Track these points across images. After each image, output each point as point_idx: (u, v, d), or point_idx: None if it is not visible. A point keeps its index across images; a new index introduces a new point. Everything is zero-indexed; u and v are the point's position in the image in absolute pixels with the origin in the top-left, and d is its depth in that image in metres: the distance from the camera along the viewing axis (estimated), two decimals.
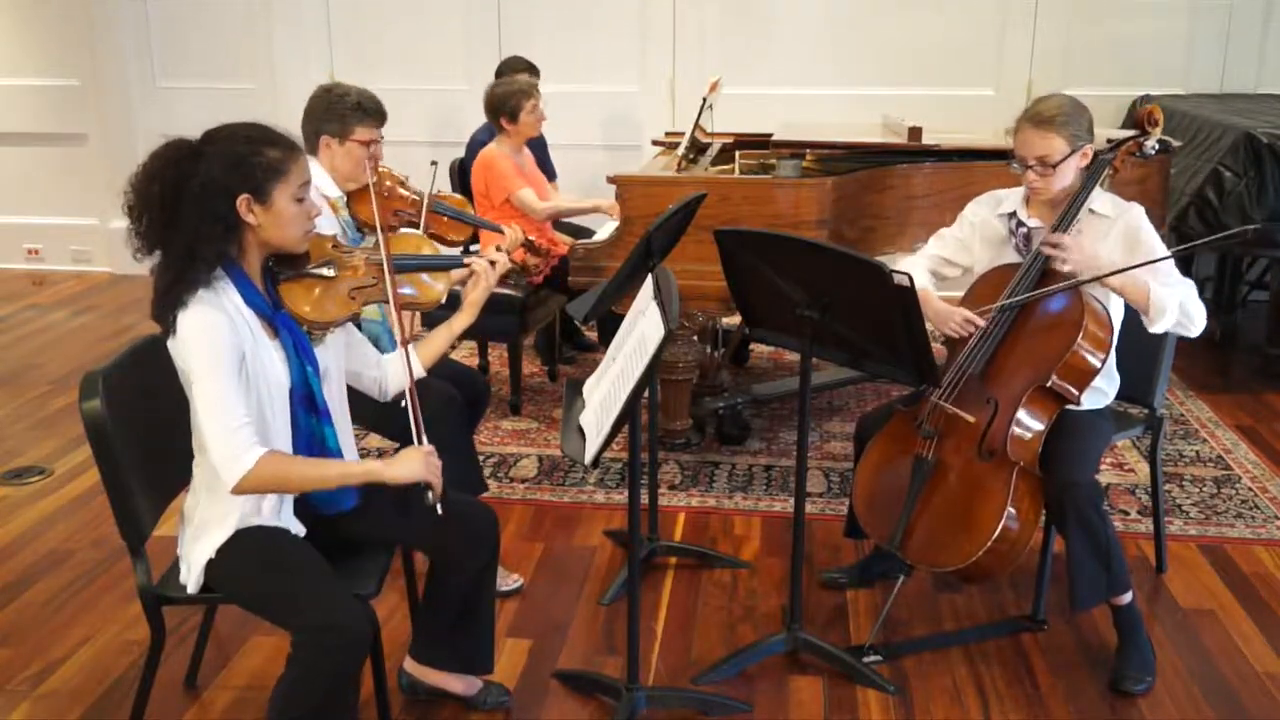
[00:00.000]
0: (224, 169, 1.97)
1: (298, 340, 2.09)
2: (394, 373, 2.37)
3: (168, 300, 1.98)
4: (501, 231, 3.32)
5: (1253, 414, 4.29)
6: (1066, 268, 2.53)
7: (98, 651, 2.73)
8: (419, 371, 2.37)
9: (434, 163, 3.34)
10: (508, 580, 2.97)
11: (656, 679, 2.63)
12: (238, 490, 1.97)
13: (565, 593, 3.01)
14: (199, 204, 1.95)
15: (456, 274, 2.49)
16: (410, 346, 2.36)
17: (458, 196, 3.38)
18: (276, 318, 2.08)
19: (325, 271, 2.15)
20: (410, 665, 2.48)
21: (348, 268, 2.19)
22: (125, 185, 2.01)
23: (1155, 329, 2.53)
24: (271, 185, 2.00)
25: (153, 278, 2.02)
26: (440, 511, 2.11)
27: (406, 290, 2.35)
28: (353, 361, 2.33)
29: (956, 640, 2.77)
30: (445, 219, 3.16)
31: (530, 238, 3.22)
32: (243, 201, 1.98)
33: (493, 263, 2.42)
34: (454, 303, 2.47)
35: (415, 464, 2.09)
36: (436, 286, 2.40)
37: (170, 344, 2.01)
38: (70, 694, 2.57)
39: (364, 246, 2.30)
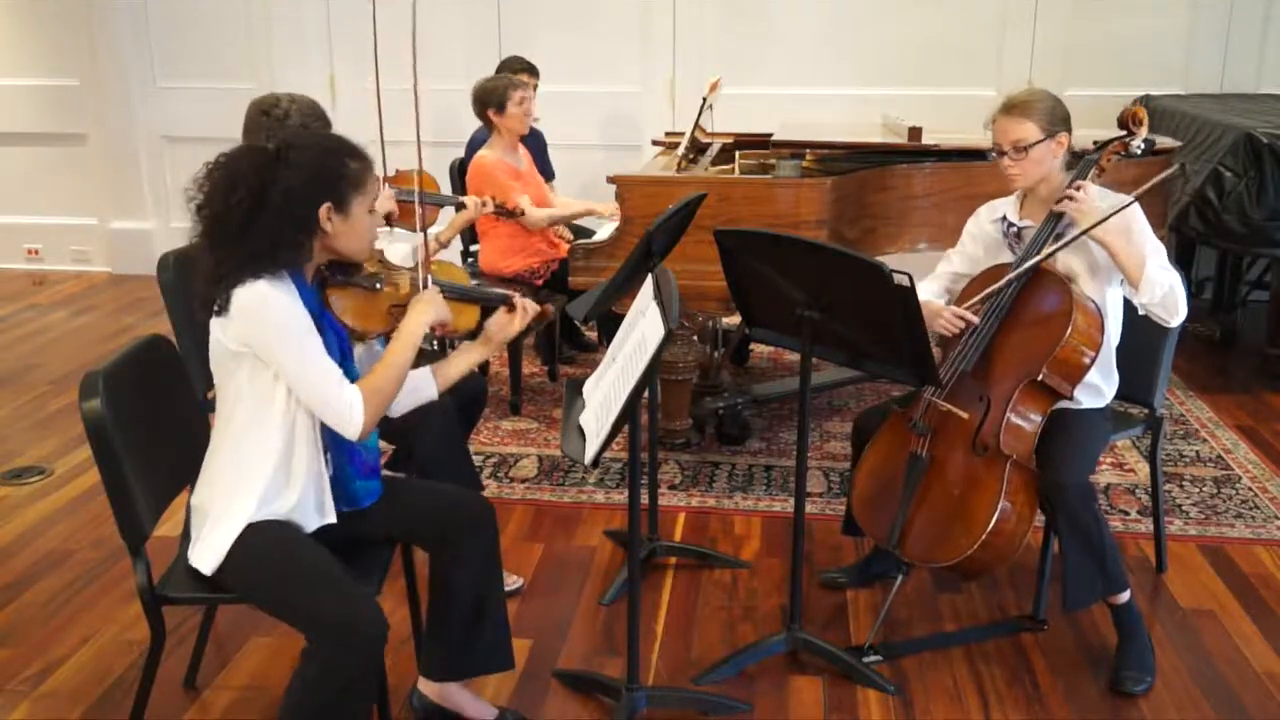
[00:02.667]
0: (310, 178, 2.02)
1: (341, 341, 2.14)
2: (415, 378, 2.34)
3: (228, 282, 2.00)
4: (464, 206, 3.29)
5: (1253, 414, 4.29)
6: (1072, 206, 2.56)
7: (98, 651, 2.74)
8: (431, 395, 2.36)
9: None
10: (509, 581, 2.95)
11: (656, 679, 2.63)
12: (363, 434, 2.08)
13: (565, 593, 3.01)
14: (282, 211, 2.00)
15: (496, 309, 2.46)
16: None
17: (423, 173, 3.25)
18: (323, 318, 2.12)
19: (374, 285, 2.21)
20: (424, 686, 2.40)
21: (392, 284, 2.24)
22: (195, 189, 2.05)
23: (1140, 299, 2.54)
24: (352, 196, 2.06)
25: (211, 262, 2.03)
26: (440, 349, 2.22)
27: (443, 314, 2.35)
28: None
29: (956, 640, 2.77)
30: (406, 205, 3.16)
31: (499, 204, 3.24)
32: (325, 210, 2.03)
33: (525, 309, 2.40)
34: None
35: (437, 304, 2.21)
36: (466, 316, 2.45)
37: (217, 324, 2.04)
38: (70, 694, 2.57)
39: (408, 269, 2.34)
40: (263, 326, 2.01)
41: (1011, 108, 2.67)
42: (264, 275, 2.01)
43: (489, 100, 4.18)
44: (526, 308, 2.41)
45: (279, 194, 2.00)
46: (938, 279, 2.94)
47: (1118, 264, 2.54)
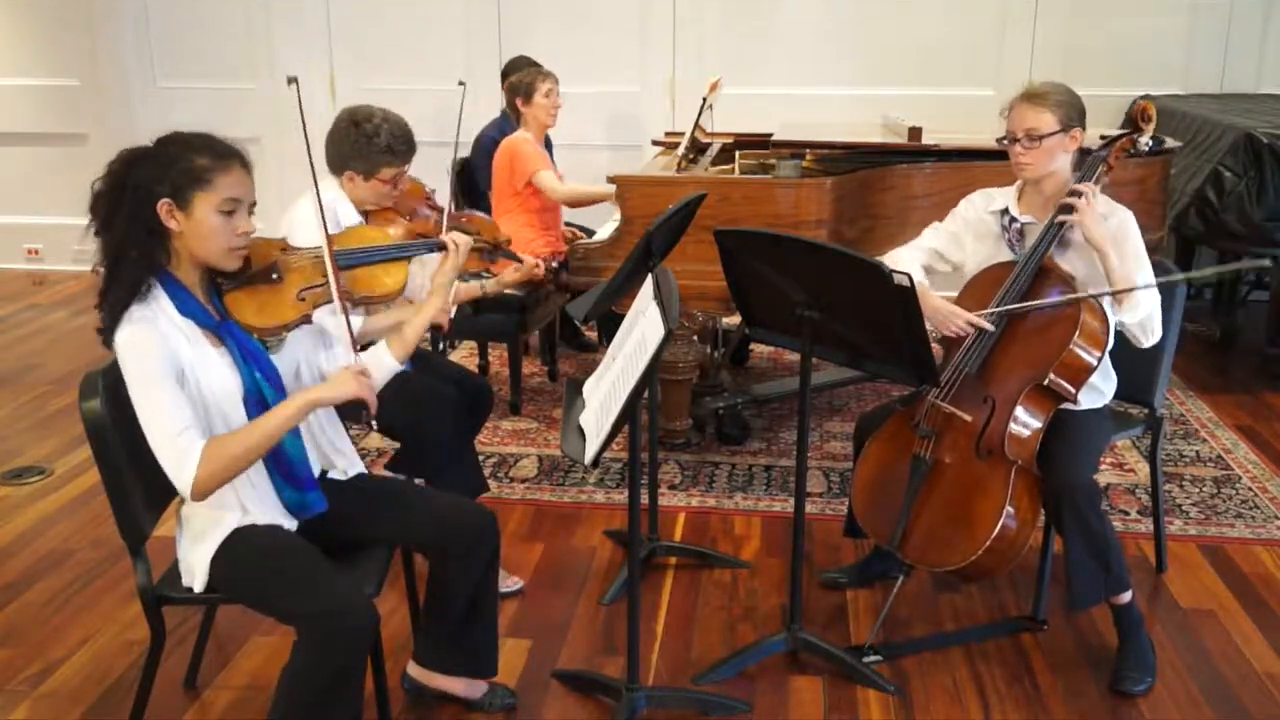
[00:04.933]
0: (151, 173, 1.99)
1: (243, 346, 2.08)
2: (329, 357, 2.30)
3: (108, 313, 2.00)
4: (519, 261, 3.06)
5: (1253, 414, 4.29)
6: (1076, 216, 2.54)
7: (98, 651, 2.74)
8: (395, 366, 2.32)
9: (461, 83, 3.06)
10: (508, 583, 2.96)
11: (656, 679, 2.63)
12: (195, 495, 1.97)
13: (565, 593, 3.01)
14: (127, 206, 1.98)
15: (429, 258, 2.44)
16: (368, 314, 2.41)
17: (480, 216, 3.16)
18: (221, 327, 2.07)
19: (272, 277, 2.13)
20: (413, 669, 2.47)
21: (294, 270, 2.16)
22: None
23: (1120, 317, 2.55)
24: (192, 192, 1.99)
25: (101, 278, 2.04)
26: (374, 427, 2.18)
27: (360, 285, 2.27)
28: (329, 362, 2.30)
29: (956, 640, 2.77)
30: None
31: (549, 265, 3.13)
32: (163, 206, 1.98)
33: (456, 245, 2.39)
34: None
35: (348, 383, 2.05)
36: (393, 277, 2.31)
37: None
38: (70, 694, 2.57)
39: (313, 247, 2.24)
40: (124, 370, 1.99)
41: (1031, 96, 2.65)
42: (132, 298, 1.98)
43: (518, 89, 4.38)
44: (457, 242, 2.39)
45: (131, 188, 1.98)
46: (919, 252, 2.91)
47: (1110, 278, 2.55)
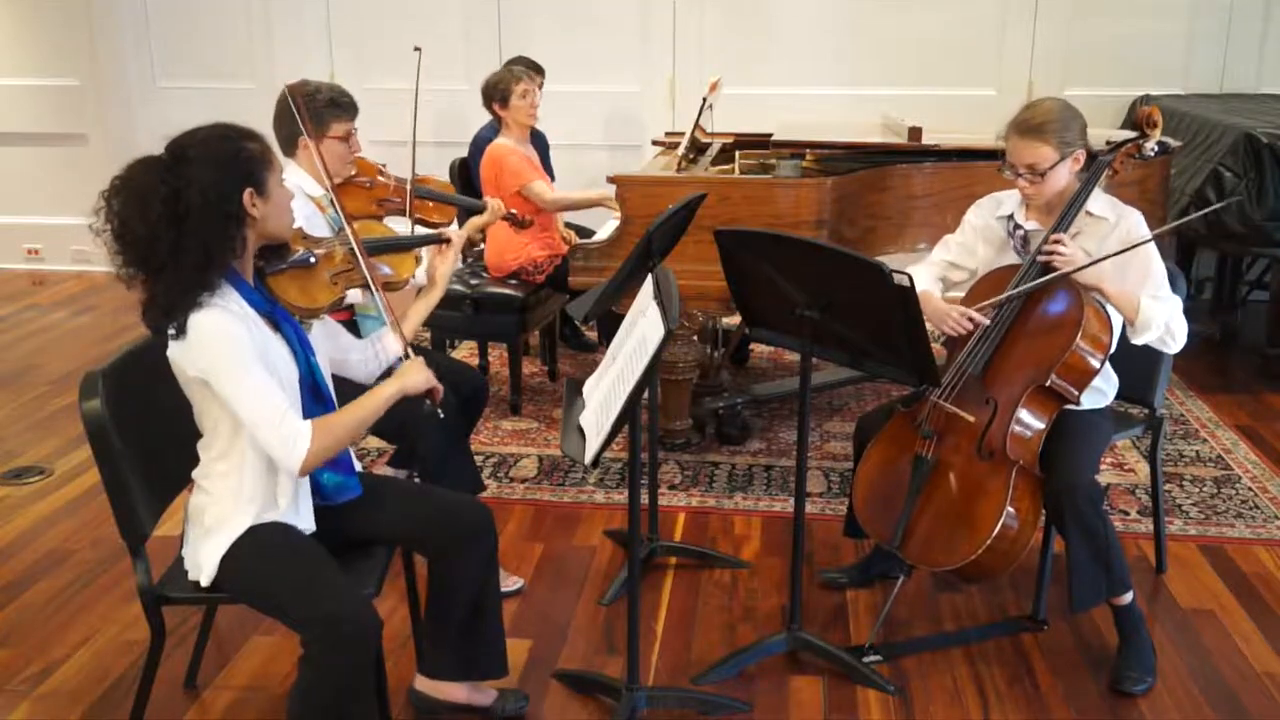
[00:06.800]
0: (220, 170, 1.97)
1: (298, 331, 2.14)
2: (384, 348, 2.41)
3: (179, 306, 1.96)
4: (481, 210, 3.37)
5: (1253, 414, 4.29)
6: (1061, 262, 2.53)
7: (98, 651, 2.74)
8: (401, 352, 2.39)
9: (417, 48, 3.31)
10: (509, 582, 2.96)
11: (656, 679, 2.63)
12: (305, 470, 2.03)
13: (565, 593, 3.01)
14: (206, 210, 1.94)
15: (423, 250, 2.58)
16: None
17: (438, 179, 3.38)
18: (275, 312, 2.12)
19: (309, 260, 2.21)
20: (421, 683, 2.43)
21: (324, 256, 2.25)
22: (102, 222, 1.97)
23: (1137, 340, 2.55)
24: (265, 174, 2.04)
25: (146, 289, 1.99)
26: (441, 416, 2.22)
27: (382, 270, 2.41)
28: (337, 349, 2.35)
29: (956, 640, 2.77)
30: (429, 203, 3.18)
31: (511, 211, 3.26)
32: (248, 195, 2.01)
33: (454, 238, 2.57)
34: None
35: (422, 371, 2.19)
36: (408, 263, 2.50)
37: (175, 348, 2.01)
38: (70, 694, 2.57)
39: (329, 236, 2.36)
40: (212, 358, 1.97)
41: (1026, 130, 2.58)
42: (208, 292, 1.97)
43: (493, 94, 4.30)
44: (452, 239, 2.55)
45: (197, 195, 1.94)
46: (933, 266, 2.91)
47: (1113, 305, 2.54)
